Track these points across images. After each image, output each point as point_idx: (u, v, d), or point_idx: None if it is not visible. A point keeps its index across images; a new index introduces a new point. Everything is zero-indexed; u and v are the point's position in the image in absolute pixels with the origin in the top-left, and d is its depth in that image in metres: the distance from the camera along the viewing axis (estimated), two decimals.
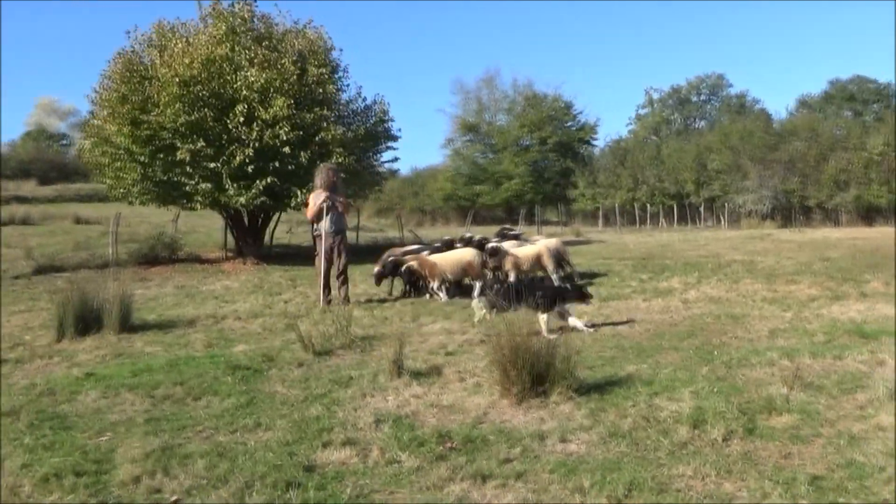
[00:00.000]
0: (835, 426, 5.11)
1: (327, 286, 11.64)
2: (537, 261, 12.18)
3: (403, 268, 12.06)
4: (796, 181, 46.49)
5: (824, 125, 52.25)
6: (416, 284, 12.23)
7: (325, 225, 11.70)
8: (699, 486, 4.24)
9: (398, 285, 12.67)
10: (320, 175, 12.06)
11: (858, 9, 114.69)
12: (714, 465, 4.46)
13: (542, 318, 8.17)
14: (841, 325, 8.50)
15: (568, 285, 9.90)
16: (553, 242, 13.26)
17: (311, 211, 11.82)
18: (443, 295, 11.71)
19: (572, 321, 8.59)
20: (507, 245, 13.15)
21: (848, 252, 18.25)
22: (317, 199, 11.78)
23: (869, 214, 44.77)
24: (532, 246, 12.81)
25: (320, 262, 11.65)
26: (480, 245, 13.56)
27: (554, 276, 12.06)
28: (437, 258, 12.05)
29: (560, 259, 12.86)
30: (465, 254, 12.14)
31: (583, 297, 8.89)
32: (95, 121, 19.32)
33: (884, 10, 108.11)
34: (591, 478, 4.32)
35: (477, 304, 8.99)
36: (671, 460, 4.60)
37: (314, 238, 12.12)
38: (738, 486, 4.22)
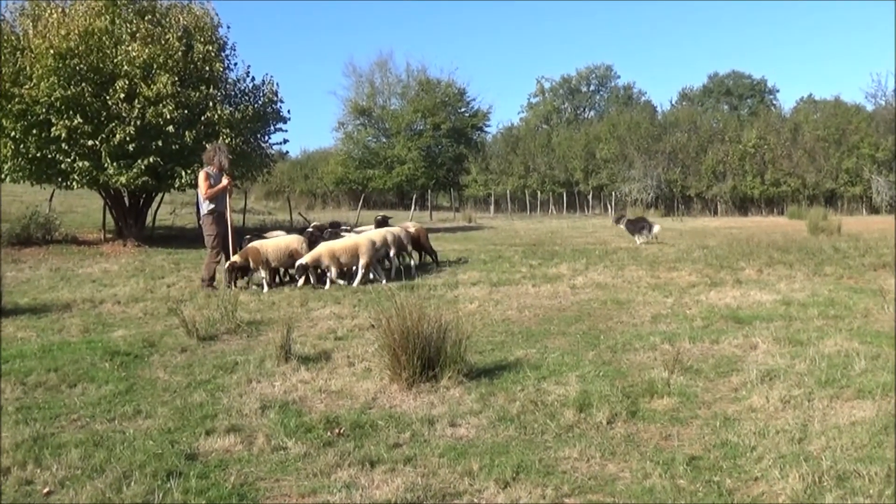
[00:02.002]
0: (711, 408, 5.31)
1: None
2: (354, 253, 11.43)
3: (227, 264, 11.42)
4: (678, 171, 48.25)
5: (703, 118, 54.40)
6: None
7: (223, 205, 11.47)
8: (584, 467, 4.32)
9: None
10: (222, 153, 11.72)
11: (736, 7, 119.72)
12: (599, 447, 4.56)
13: None
14: (718, 311, 8.83)
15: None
16: (377, 234, 12.24)
17: (213, 190, 11.45)
18: (265, 284, 11.21)
19: None
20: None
21: (725, 240, 19.05)
22: (214, 178, 11.49)
23: (744, 204, 47.02)
24: (350, 237, 12.01)
25: (219, 243, 11.34)
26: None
27: (361, 272, 11.39)
28: (259, 244, 11.50)
29: (386, 251, 12.15)
30: (291, 240, 11.64)
31: None
32: None
33: (759, 7, 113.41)
34: (480, 461, 4.34)
35: None
36: (558, 443, 4.68)
37: (210, 218, 11.58)
38: (621, 466, 4.33)
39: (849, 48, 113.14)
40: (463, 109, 62.14)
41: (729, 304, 9.38)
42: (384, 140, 61.57)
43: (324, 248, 11.33)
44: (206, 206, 11.57)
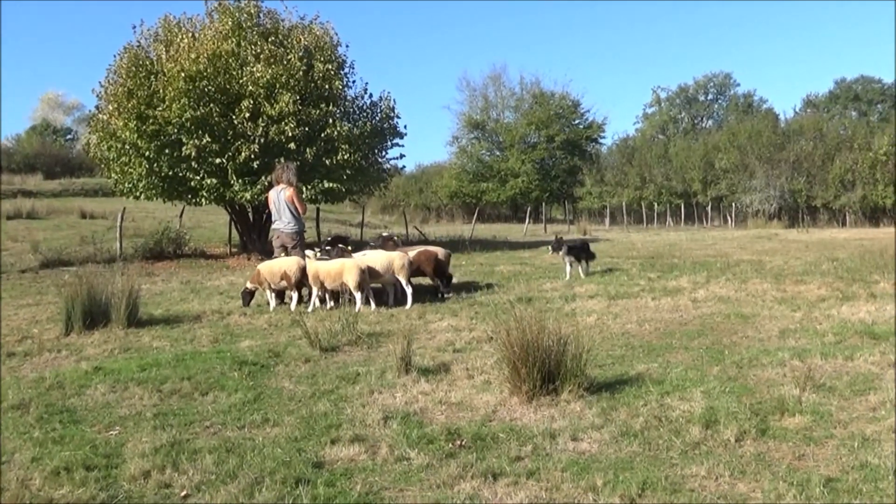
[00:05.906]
0: (847, 428, 5.06)
1: None
2: (339, 276, 10.65)
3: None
4: (802, 181, 46.42)
5: (830, 125, 52.28)
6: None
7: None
8: (713, 486, 4.20)
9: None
10: (290, 171, 12.10)
11: (863, 8, 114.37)
12: (727, 466, 4.42)
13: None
14: (851, 326, 8.42)
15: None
16: (372, 257, 11.35)
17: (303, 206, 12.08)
18: (272, 302, 11.10)
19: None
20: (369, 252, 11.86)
21: (856, 252, 18.18)
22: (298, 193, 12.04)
23: (875, 215, 44.73)
24: (337, 261, 11.03)
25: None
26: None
27: (358, 296, 10.52)
28: (260, 267, 11.37)
29: (376, 276, 11.04)
30: (283, 262, 11.17)
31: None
32: (102, 115, 19.29)
33: (887, 9, 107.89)
34: (604, 476, 4.28)
35: None
36: (684, 460, 4.56)
37: (301, 237, 11.97)
38: (751, 486, 4.18)
39: None
40: (577, 121, 61.68)
41: (863, 318, 8.93)
42: (498, 153, 61.77)
43: (311, 270, 10.91)
44: (300, 225, 11.95)
